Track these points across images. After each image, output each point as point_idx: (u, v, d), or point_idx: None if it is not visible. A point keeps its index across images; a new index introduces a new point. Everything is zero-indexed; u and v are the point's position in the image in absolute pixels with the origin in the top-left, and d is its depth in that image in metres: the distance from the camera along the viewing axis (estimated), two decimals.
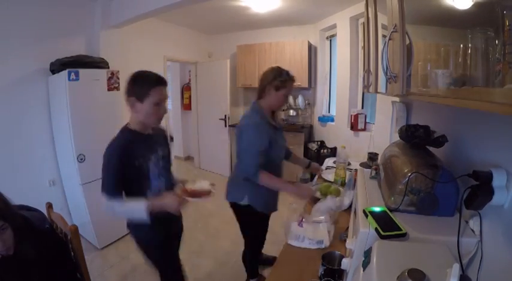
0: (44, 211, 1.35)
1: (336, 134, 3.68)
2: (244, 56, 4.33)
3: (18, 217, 1.06)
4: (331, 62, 4.10)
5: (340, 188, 1.68)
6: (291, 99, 4.02)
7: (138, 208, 1.16)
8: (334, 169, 2.15)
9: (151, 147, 1.28)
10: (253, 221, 1.75)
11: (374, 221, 0.78)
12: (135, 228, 1.38)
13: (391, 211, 0.85)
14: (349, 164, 2.28)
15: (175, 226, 1.53)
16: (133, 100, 1.19)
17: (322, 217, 1.37)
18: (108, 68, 2.61)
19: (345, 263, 0.91)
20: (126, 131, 1.26)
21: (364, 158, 1.97)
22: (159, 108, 1.21)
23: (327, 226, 1.30)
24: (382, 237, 0.74)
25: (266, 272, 2.06)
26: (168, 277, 1.50)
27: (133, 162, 1.20)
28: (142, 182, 1.26)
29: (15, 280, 1.01)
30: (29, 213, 1.18)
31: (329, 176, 1.98)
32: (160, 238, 1.38)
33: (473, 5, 0.56)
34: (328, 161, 2.38)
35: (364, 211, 0.84)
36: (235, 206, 1.73)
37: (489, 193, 0.66)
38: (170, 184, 1.40)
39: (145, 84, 1.18)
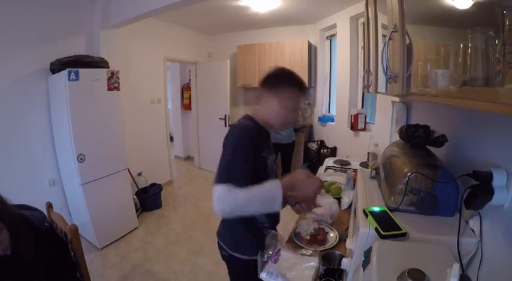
0: (44, 210, 1.35)
1: (336, 134, 3.68)
2: (244, 56, 4.33)
3: (16, 216, 1.06)
4: (331, 62, 4.10)
5: (342, 187, 1.68)
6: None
7: (270, 187, 0.90)
8: (334, 171, 2.16)
9: (270, 146, 1.12)
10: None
11: (374, 221, 0.78)
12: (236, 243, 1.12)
13: (391, 210, 0.85)
14: (349, 164, 2.28)
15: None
16: (265, 89, 1.05)
17: (320, 212, 1.37)
18: (108, 68, 2.61)
19: (345, 263, 0.91)
20: (252, 119, 1.08)
21: (364, 158, 1.97)
22: (295, 114, 1.08)
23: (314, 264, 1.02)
24: (382, 237, 0.74)
25: None
26: None
27: (261, 153, 1.03)
28: (259, 181, 0.95)
29: (14, 280, 1.01)
30: (29, 212, 1.18)
31: (328, 177, 1.97)
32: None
33: (473, 5, 0.56)
34: (328, 161, 2.38)
35: (364, 211, 0.84)
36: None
37: (489, 192, 0.66)
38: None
39: (287, 81, 1.06)
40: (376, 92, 1.33)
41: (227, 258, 1.16)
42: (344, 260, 0.92)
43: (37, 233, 1.11)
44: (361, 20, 3.09)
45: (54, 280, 1.14)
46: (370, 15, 1.45)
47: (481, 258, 0.71)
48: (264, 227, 1.10)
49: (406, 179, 0.82)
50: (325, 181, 1.86)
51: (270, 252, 1.07)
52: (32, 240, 1.06)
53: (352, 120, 3.17)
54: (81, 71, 2.29)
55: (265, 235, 1.09)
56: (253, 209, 0.91)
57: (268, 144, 1.12)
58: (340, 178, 1.91)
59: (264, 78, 1.08)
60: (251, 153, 0.95)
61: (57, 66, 2.37)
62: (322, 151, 3.66)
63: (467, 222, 0.80)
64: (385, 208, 0.86)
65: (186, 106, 5.24)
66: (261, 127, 1.08)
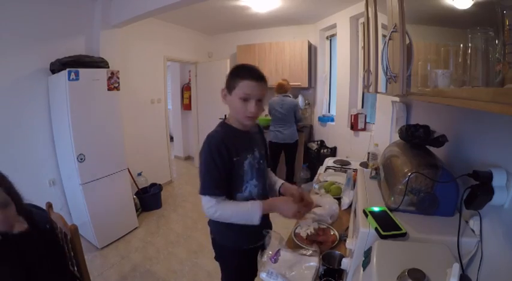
0: None
1: (336, 134, 3.68)
2: (244, 56, 4.33)
3: (25, 206, 1.07)
4: (331, 62, 4.10)
5: (342, 187, 1.68)
6: (299, 99, 4.00)
7: (251, 208, 1.05)
8: (334, 171, 2.16)
9: (249, 145, 1.16)
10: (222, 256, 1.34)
11: (374, 221, 0.78)
12: (220, 234, 1.28)
13: (391, 210, 0.85)
14: (349, 164, 2.28)
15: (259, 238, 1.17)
16: (224, 91, 1.12)
17: (320, 212, 1.37)
18: (108, 67, 2.61)
19: (345, 263, 0.91)
20: (225, 125, 1.17)
21: (364, 158, 1.97)
22: (247, 104, 1.06)
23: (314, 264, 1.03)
24: (382, 237, 0.74)
25: None
26: None
27: (232, 158, 1.09)
28: (235, 183, 1.13)
29: (11, 274, 1.01)
30: (34, 210, 1.19)
31: (328, 178, 1.98)
32: (234, 247, 1.23)
33: (473, 5, 0.56)
34: (328, 161, 2.38)
35: (364, 211, 0.84)
36: None
37: (489, 192, 0.66)
38: (265, 191, 1.23)
39: (237, 75, 1.07)
40: (376, 92, 1.33)
41: (215, 244, 1.31)
42: (344, 260, 0.92)
43: (39, 231, 1.12)
44: (361, 20, 3.09)
45: (49, 278, 1.14)
46: (370, 15, 1.45)
47: (481, 258, 0.71)
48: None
49: (406, 179, 0.82)
50: (325, 181, 1.86)
51: (270, 252, 1.07)
52: (35, 236, 1.07)
53: (352, 120, 3.17)
54: (81, 71, 2.29)
55: (265, 234, 1.13)
56: (235, 222, 1.08)
57: (247, 143, 1.16)
58: (340, 178, 1.91)
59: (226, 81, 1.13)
60: (220, 160, 1.05)
61: (57, 66, 2.37)
62: (322, 151, 3.66)
63: (467, 222, 0.80)
64: (385, 208, 0.86)
65: (186, 106, 5.24)
66: (235, 129, 1.15)
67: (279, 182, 1.38)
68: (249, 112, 1.07)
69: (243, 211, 1.06)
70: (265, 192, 1.24)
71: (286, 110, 3.45)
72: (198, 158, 1.11)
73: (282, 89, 3.51)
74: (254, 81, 1.06)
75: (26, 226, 1.01)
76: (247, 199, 1.13)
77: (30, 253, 1.05)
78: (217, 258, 1.34)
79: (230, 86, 1.09)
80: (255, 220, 1.04)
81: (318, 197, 1.57)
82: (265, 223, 1.22)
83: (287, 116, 3.47)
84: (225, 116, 1.25)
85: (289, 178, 3.72)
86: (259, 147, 1.20)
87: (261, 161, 1.19)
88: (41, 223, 1.17)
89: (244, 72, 1.08)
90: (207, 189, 1.06)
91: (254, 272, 1.26)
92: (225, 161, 1.07)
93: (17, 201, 1.02)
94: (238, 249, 1.23)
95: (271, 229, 1.28)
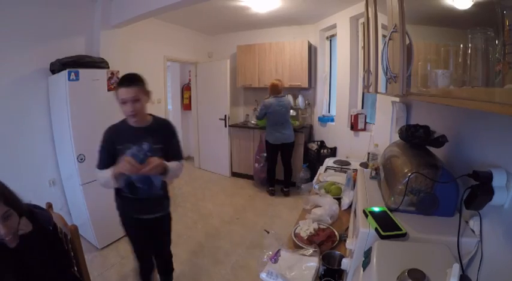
0: None
1: (336, 134, 3.68)
2: (244, 56, 4.33)
3: (25, 208, 1.07)
4: (331, 62, 4.10)
5: (342, 187, 1.68)
6: (290, 98, 4.01)
7: (107, 173, 1.38)
8: (334, 171, 2.16)
9: (136, 138, 1.43)
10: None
11: (374, 221, 0.78)
12: (115, 200, 1.64)
13: (391, 211, 0.85)
14: (349, 164, 2.28)
15: (141, 212, 1.60)
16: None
17: (320, 212, 1.37)
18: (108, 68, 2.61)
19: (345, 263, 0.91)
20: (122, 120, 1.48)
21: (364, 158, 1.97)
22: (125, 106, 1.37)
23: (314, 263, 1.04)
24: (382, 237, 0.74)
25: None
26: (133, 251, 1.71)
27: (116, 146, 1.42)
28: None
29: (14, 274, 1.01)
30: (36, 211, 1.18)
31: (328, 178, 1.97)
32: (125, 216, 1.63)
33: (473, 5, 0.56)
34: (328, 161, 2.38)
35: (364, 211, 0.84)
36: None
37: (489, 193, 0.66)
38: (148, 179, 1.50)
39: (118, 84, 1.41)
40: (376, 92, 1.33)
41: (167, 217, 1.74)
42: (344, 260, 0.92)
43: (42, 232, 1.12)
44: (361, 20, 3.09)
45: (51, 278, 1.14)
46: (370, 15, 1.45)
47: (481, 258, 0.71)
48: (126, 196, 1.54)
49: (406, 179, 0.82)
50: (325, 181, 1.86)
51: (270, 252, 1.07)
52: (38, 237, 1.07)
53: (352, 121, 3.17)
54: (81, 71, 2.29)
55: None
56: (104, 181, 1.44)
57: (135, 136, 1.44)
58: (340, 178, 1.91)
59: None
60: (106, 145, 1.45)
61: (57, 67, 2.37)
62: (322, 151, 3.66)
63: (467, 222, 0.80)
64: (385, 208, 0.86)
65: (186, 106, 5.24)
66: (127, 124, 1.46)
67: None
68: (124, 111, 1.39)
69: (103, 175, 1.41)
70: (148, 180, 1.50)
71: (284, 111, 3.49)
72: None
73: (276, 90, 3.51)
74: (121, 87, 1.37)
75: (30, 227, 1.01)
76: (127, 181, 1.46)
77: (33, 254, 1.05)
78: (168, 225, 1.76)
79: (116, 94, 1.41)
80: (111, 180, 1.38)
81: (318, 197, 1.57)
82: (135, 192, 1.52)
83: (286, 115, 3.51)
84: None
85: (288, 177, 3.72)
86: (152, 141, 1.46)
87: (148, 153, 1.43)
88: (44, 223, 1.17)
89: (119, 81, 1.42)
90: (97, 163, 1.46)
91: (158, 243, 1.75)
92: (109, 146, 1.43)
93: (17, 209, 1.02)
94: (130, 218, 1.60)
95: (164, 202, 1.66)
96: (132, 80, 1.39)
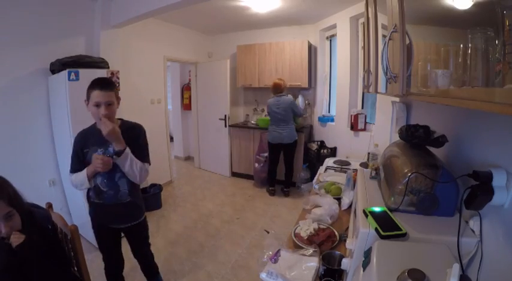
0: None
1: (336, 134, 3.68)
2: (244, 56, 4.33)
3: (26, 210, 1.07)
4: (331, 62, 4.10)
5: (342, 187, 1.68)
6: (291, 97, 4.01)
7: (82, 173, 1.43)
8: (334, 171, 2.16)
9: (103, 142, 1.43)
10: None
11: (374, 221, 0.78)
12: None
13: (391, 211, 0.85)
14: (349, 164, 2.28)
15: (115, 226, 1.62)
16: (85, 102, 1.45)
17: (320, 212, 1.37)
18: (108, 68, 2.61)
19: (345, 263, 0.91)
20: (93, 124, 1.50)
21: (364, 158, 1.97)
22: (97, 109, 1.39)
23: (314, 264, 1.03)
24: (382, 237, 0.74)
25: None
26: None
27: (83, 150, 1.46)
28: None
29: (14, 274, 1.01)
30: (35, 210, 1.19)
31: (328, 178, 1.97)
32: (95, 224, 1.64)
33: (473, 5, 0.56)
34: (328, 161, 2.38)
35: (364, 211, 0.84)
36: None
37: (489, 192, 0.66)
38: (114, 183, 1.50)
39: (89, 87, 1.42)
40: (376, 92, 1.33)
41: (143, 223, 1.69)
42: (344, 260, 0.92)
43: (41, 231, 1.12)
44: (361, 20, 3.09)
45: (51, 277, 1.14)
46: (370, 15, 1.45)
47: (481, 258, 0.71)
48: (94, 201, 1.56)
49: (406, 179, 0.82)
50: (325, 181, 1.86)
51: (270, 252, 1.07)
52: (37, 236, 1.07)
53: (352, 121, 3.17)
54: (81, 71, 2.29)
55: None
56: (79, 183, 1.48)
57: (102, 139, 1.41)
58: (340, 178, 1.91)
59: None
60: (74, 149, 1.49)
61: (57, 67, 2.37)
62: (322, 151, 3.66)
63: (467, 222, 0.80)
64: (385, 208, 0.86)
65: (186, 106, 5.25)
66: (95, 128, 1.45)
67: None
68: (92, 113, 1.41)
69: (78, 176, 1.45)
70: (114, 184, 1.50)
71: (283, 110, 3.43)
72: None
73: (277, 89, 3.49)
74: (92, 89, 1.40)
75: (23, 238, 1.01)
76: (94, 184, 1.48)
77: (32, 253, 1.05)
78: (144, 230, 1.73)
79: (87, 97, 1.43)
80: (85, 180, 1.43)
81: (318, 197, 1.57)
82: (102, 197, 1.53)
83: (285, 115, 3.44)
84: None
85: (288, 178, 3.72)
86: (101, 143, 1.46)
87: (114, 156, 1.42)
88: (42, 222, 1.17)
89: (93, 84, 1.42)
90: (70, 168, 1.51)
91: (136, 250, 1.74)
92: (78, 150, 1.47)
93: (19, 206, 1.02)
94: (99, 225, 1.63)
95: (135, 211, 1.64)
96: (108, 84, 1.44)
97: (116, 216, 1.57)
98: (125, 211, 1.57)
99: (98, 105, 1.38)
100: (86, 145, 1.47)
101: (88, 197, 1.59)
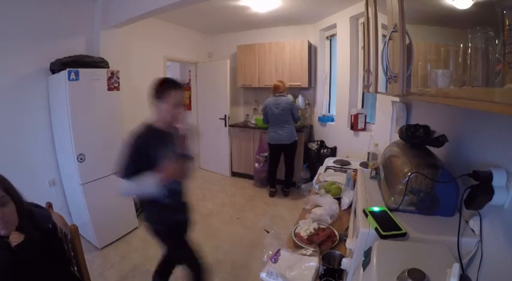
0: None
1: (336, 134, 3.68)
2: (244, 56, 4.33)
3: (26, 207, 1.07)
4: (331, 62, 4.10)
5: (342, 187, 1.68)
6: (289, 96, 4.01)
7: (149, 181, 1.31)
8: (334, 171, 2.16)
9: (169, 143, 1.41)
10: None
11: (374, 221, 0.78)
12: (147, 212, 1.58)
13: (391, 210, 0.85)
14: (349, 164, 2.28)
15: (181, 215, 1.65)
16: (158, 101, 1.38)
17: (320, 212, 1.37)
18: (108, 67, 2.61)
19: (345, 263, 0.91)
20: (147, 125, 1.43)
21: (364, 158, 1.97)
22: (176, 109, 1.38)
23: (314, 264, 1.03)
24: (382, 237, 0.74)
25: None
26: (179, 256, 1.71)
27: (149, 152, 1.36)
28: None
29: (13, 273, 1.01)
30: (35, 210, 1.18)
31: (328, 178, 1.97)
32: (168, 224, 1.54)
33: (473, 5, 0.56)
34: (328, 161, 2.38)
35: (364, 211, 0.84)
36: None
37: (489, 192, 0.66)
38: (177, 185, 1.52)
39: (168, 87, 1.37)
40: (376, 92, 1.33)
41: (153, 231, 1.57)
42: (344, 260, 0.92)
43: (41, 230, 1.12)
44: (361, 20, 3.08)
45: (51, 277, 1.14)
46: (370, 15, 1.45)
47: (481, 258, 0.71)
48: (166, 203, 1.46)
49: (406, 179, 0.82)
50: (325, 181, 1.86)
51: (270, 252, 1.07)
52: (36, 235, 1.07)
53: (352, 120, 3.17)
54: (81, 71, 2.29)
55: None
56: (139, 192, 1.43)
57: (166, 141, 1.41)
58: (340, 178, 1.91)
59: (152, 92, 1.39)
60: (138, 152, 1.35)
61: (57, 66, 2.37)
62: (322, 151, 3.66)
63: (467, 222, 0.80)
64: (385, 208, 0.86)
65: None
66: (157, 129, 1.41)
67: None
68: (178, 113, 1.39)
69: (142, 184, 1.35)
70: (177, 186, 1.50)
71: (282, 110, 3.41)
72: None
73: (277, 90, 3.49)
74: (177, 89, 1.38)
75: (22, 237, 1.01)
76: (170, 187, 1.41)
77: (31, 253, 1.05)
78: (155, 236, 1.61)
79: (160, 94, 1.36)
80: (153, 189, 1.33)
81: (318, 197, 1.57)
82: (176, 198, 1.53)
83: (283, 115, 3.42)
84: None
85: (289, 178, 3.72)
86: (169, 144, 1.43)
87: (179, 158, 1.40)
88: (42, 222, 1.17)
89: (170, 84, 1.39)
90: (121, 173, 1.38)
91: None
92: (141, 153, 1.35)
93: (16, 200, 1.02)
94: (173, 224, 1.57)
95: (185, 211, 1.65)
96: (181, 84, 1.44)
97: (183, 209, 1.65)
98: (186, 204, 1.68)
99: (177, 105, 1.38)
100: (153, 146, 1.38)
101: (152, 202, 1.45)
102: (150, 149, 1.36)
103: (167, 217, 1.53)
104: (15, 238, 1.00)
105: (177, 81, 1.42)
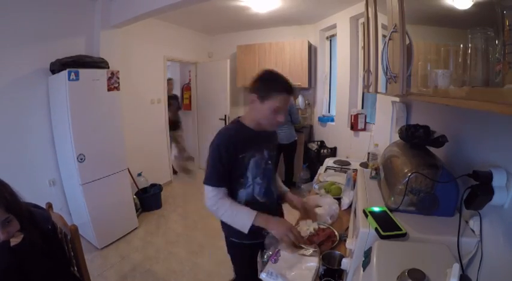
0: None
1: (336, 134, 3.68)
2: (244, 56, 4.33)
3: (25, 211, 1.07)
4: (331, 62, 4.10)
5: (342, 187, 1.68)
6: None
7: (244, 215, 1.11)
8: (334, 171, 2.16)
9: (259, 145, 1.22)
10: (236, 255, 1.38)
11: (374, 221, 0.78)
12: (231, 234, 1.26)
13: (391, 211, 0.85)
14: (349, 164, 2.28)
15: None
16: (259, 101, 1.14)
17: (320, 213, 1.37)
18: (108, 68, 2.61)
19: (345, 263, 0.91)
20: (238, 123, 1.24)
21: (364, 158, 1.97)
22: (277, 115, 1.15)
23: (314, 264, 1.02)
24: (382, 237, 0.74)
25: None
26: None
27: (238, 155, 1.16)
28: (240, 179, 1.20)
29: (13, 274, 1.01)
30: (35, 210, 1.18)
31: (328, 178, 1.97)
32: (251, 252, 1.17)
33: (473, 5, 0.56)
34: (328, 161, 2.38)
35: (364, 211, 0.84)
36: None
37: (489, 192, 0.66)
38: (270, 192, 1.27)
39: (278, 91, 1.13)
40: (376, 92, 1.33)
41: (228, 243, 1.33)
42: (344, 260, 0.92)
43: (40, 232, 1.12)
44: (361, 20, 3.08)
45: (51, 278, 1.14)
46: (370, 15, 1.45)
47: (481, 258, 0.71)
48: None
49: (406, 179, 0.82)
50: (325, 181, 1.86)
51: (270, 252, 1.07)
52: (36, 237, 1.07)
53: (352, 121, 3.17)
54: (81, 71, 2.29)
55: (264, 235, 1.13)
56: (227, 221, 1.15)
57: (257, 142, 1.21)
58: (340, 178, 1.91)
59: (254, 84, 1.17)
60: (226, 155, 1.13)
61: (57, 67, 2.37)
62: (322, 151, 3.66)
63: (467, 222, 0.80)
64: (385, 208, 0.86)
65: (186, 106, 5.24)
66: (248, 128, 1.21)
67: (283, 188, 1.44)
68: (280, 122, 1.17)
69: (237, 217, 1.12)
70: (270, 192, 1.27)
71: None
72: (208, 150, 1.21)
73: None
74: (289, 95, 1.15)
75: (21, 237, 1.01)
76: (249, 196, 1.20)
77: (31, 254, 1.05)
78: (233, 257, 1.40)
79: (265, 94, 1.12)
80: (245, 228, 1.10)
81: (318, 197, 1.57)
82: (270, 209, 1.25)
83: None
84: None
85: (289, 178, 3.72)
86: (270, 148, 1.26)
87: (269, 162, 1.24)
88: (43, 223, 1.17)
89: (282, 87, 1.13)
90: (210, 180, 1.15)
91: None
92: (230, 157, 1.14)
93: (18, 213, 1.02)
94: (241, 242, 1.25)
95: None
96: (293, 90, 1.18)
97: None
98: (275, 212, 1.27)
99: (278, 111, 1.14)
100: (242, 148, 1.17)
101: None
102: (238, 151, 1.16)
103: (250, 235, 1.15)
104: (15, 237, 1.00)
105: (289, 84, 1.15)
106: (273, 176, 1.31)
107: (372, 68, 1.39)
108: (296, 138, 3.55)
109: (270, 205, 1.27)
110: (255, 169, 1.19)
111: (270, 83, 1.14)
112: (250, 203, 1.19)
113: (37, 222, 1.12)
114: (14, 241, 1.00)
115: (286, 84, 1.14)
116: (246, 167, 1.18)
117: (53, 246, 1.18)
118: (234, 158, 1.15)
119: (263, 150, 1.23)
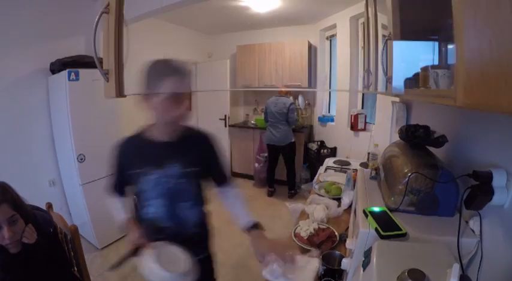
0: None
1: (336, 134, 3.68)
2: (244, 56, 4.33)
3: (30, 212, 1.07)
4: (331, 62, 4.10)
5: (342, 187, 1.68)
6: (291, 98, 4.01)
7: (116, 216, 1.12)
8: (334, 171, 2.16)
9: (161, 159, 1.00)
10: None
11: (374, 221, 0.78)
12: None
13: (391, 211, 0.84)
14: (349, 164, 2.28)
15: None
16: (141, 99, 0.99)
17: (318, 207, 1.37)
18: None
19: (345, 263, 0.91)
20: (138, 132, 1.08)
21: (364, 158, 1.97)
22: (177, 104, 0.97)
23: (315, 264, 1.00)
24: (382, 237, 0.74)
25: None
26: None
27: (131, 170, 1.01)
28: (140, 198, 1.08)
29: (15, 275, 1.01)
30: (38, 213, 1.19)
31: (328, 178, 1.97)
32: None
33: None
34: (328, 161, 2.38)
35: (364, 211, 0.84)
36: None
37: (489, 193, 0.66)
38: (177, 217, 1.05)
39: (156, 73, 0.97)
40: (376, 92, 1.33)
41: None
42: (344, 260, 0.92)
43: (42, 235, 1.12)
44: (361, 20, 3.08)
45: (51, 278, 1.15)
46: (370, 16, 1.46)
47: (481, 258, 0.71)
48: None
49: (406, 179, 0.82)
50: (325, 181, 1.86)
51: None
52: (40, 239, 1.07)
53: (352, 121, 3.17)
54: (81, 71, 2.29)
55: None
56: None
57: (160, 157, 1.00)
58: (340, 178, 1.91)
59: (142, 83, 1.01)
60: (117, 167, 1.08)
61: (57, 67, 2.37)
62: (322, 151, 3.66)
63: (467, 222, 0.80)
64: (385, 208, 0.85)
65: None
66: (149, 140, 1.02)
67: (245, 220, 1.18)
68: (185, 108, 1.01)
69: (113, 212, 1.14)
70: (177, 217, 1.05)
71: (279, 109, 3.44)
72: None
73: (279, 92, 3.60)
74: (177, 76, 0.99)
75: (35, 237, 1.02)
76: (149, 220, 1.04)
77: (33, 257, 1.05)
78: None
79: (152, 85, 0.97)
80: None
81: (318, 197, 1.57)
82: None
83: (280, 115, 3.44)
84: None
85: (290, 179, 3.71)
86: (185, 163, 1.02)
87: (181, 180, 1.00)
88: (45, 226, 1.17)
89: (164, 70, 0.98)
90: (109, 187, 1.15)
91: None
92: (122, 169, 1.05)
93: (23, 215, 1.02)
94: None
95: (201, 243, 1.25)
96: (185, 70, 0.97)
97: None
98: (188, 244, 1.01)
99: (174, 98, 0.97)
100: (137, 161, 1.00)
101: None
102: (129, 163, 1.03)
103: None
104: (29, 235, 1.01)
105: (175, 63, 1.01)
106: (192, 198, 1.08)
107: (372, 68, 1.39)
108: (293, 140, 3.51)
109: (178, 232, 1.04)
110: (155, 187, 1.00)
111: (154, 71, 1.02)
112: (150, 226, 1.02)
113: (40, 225, 1.13)
114: (26, 239, 1.00)
115: (171, 64, 0.99)
116: (145, 186, 1.01)
117: (54, 249, 1.18)
118: (127, 171, 1.02)
119: (168, 165, 0.99)
